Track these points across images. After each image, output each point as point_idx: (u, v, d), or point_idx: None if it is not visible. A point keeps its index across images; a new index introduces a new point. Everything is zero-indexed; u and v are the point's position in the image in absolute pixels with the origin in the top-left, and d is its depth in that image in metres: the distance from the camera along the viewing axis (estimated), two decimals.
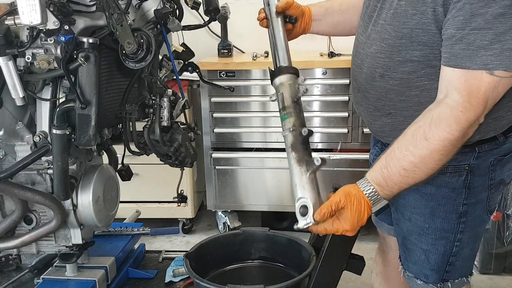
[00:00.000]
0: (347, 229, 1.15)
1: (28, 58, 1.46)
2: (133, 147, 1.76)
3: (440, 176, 1.21)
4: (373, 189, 1.14)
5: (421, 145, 1.07)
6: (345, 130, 2.67)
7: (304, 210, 1.16)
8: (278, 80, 1.28)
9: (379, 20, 1.23)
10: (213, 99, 2.75)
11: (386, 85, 1.23)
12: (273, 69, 1.31)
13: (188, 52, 1.93)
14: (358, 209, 1.14)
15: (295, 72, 1.31)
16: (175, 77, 1.88)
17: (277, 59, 1.33)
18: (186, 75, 2.14)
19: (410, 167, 1.09)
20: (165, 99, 1.72)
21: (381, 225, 1.60)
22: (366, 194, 1.14)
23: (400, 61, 1.18)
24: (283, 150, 2.77)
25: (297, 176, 1.19)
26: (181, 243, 2.96)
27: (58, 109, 1.51)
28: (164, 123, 1.71)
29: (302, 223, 1.17)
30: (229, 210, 2.97)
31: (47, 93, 1.56)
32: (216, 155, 2.83)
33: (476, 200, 1.25)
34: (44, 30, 1.40)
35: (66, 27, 1.39)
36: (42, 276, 1.86)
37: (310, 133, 1.22)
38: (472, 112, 1.04)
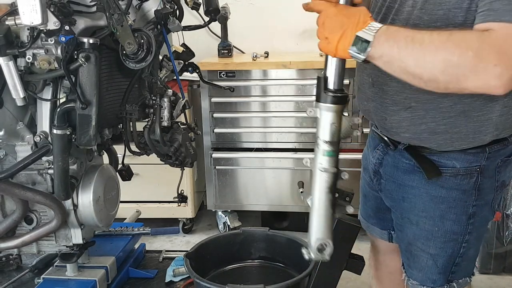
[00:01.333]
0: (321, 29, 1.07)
1: (29, 59, 1.46)
2: (133, 147, 1.76)
3: (451, 178, 1.20)
4: (376, 29, 1.02)
5: (438, 41, 0.97)
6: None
7: (322, 248, 1.16)
8: (335, 107, 1.11)
9: (404, 8, 1.16)
10: (213, 99, 2.75)
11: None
12: (330, 88, 1.12)
13: (188, 53, 1.93)
14: (350, 15, 1.04)
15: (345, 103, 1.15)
16: (175, 77, 1.88)
17: (335, 76, 1.13)
18: (186, 75, 2.15)
19: (414, 44, 0.98)
20: (165, 99, 1.72)
21: (373, 229, 1.57)
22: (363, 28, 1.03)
23: None
24: (283, 150, 2.79)
25: (325, 219, 1.16)
26: (181, 243, 2.96)
27: (59, 109, 1.51)
28: (165, 123, 1.72)
29: (314, 257, 1.17)
30: (229, 210, 2.97)
31: (47, 93, 1.56)
32: (216, 155, 2.83)
33: (485, 202, 1.25)
34: (45, 30, 1.40)
35: (67, 27, 1.40)
36: (42, 276, 1.86)
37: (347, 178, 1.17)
38: (504, 67, 0.92)
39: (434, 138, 1.19)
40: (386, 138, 1.31)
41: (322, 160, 1.13)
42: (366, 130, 2.62)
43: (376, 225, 1.55)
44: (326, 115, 1.11)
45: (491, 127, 1.15)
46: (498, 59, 0.92)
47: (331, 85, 1.11)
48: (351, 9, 1.07)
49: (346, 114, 1.17)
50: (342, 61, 1.11)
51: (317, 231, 1.16)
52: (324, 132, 1.12)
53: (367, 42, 1.02)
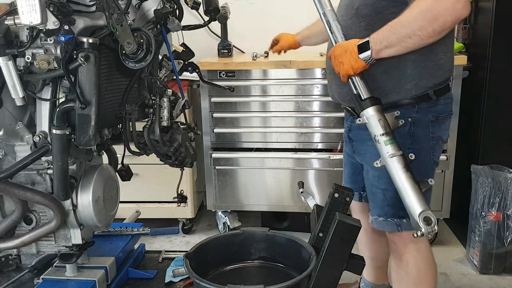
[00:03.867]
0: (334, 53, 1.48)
1: (28, 58, 1.46)
2: (133, 147, 1.76)
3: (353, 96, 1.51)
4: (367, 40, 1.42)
5: (409, 12, 1.37)
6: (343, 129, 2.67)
7: (429, 220, 1.32)
8: (375, 107, 1.43)
9: (340, 17, 1.57)
10: (213, 99, 2.75)
11: None
12: (364, 98, 1.45)
13: (188, 52, 1.93)
14: (347, 42, 1.47)
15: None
16: (175, 77, 1.88)
17: (362, 88, 1.46)
18: (186, 75, 2.14)
19: (399, 24, 1.38)
20: (165, 99, 1.72)
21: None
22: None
23: (353, 34, 1.51)
24: (283, 150, 2.79)
25: (417, 193, 1.35)
26: (181, 243, 2.95)
27: (58, 109, 1.51)
28: (164, 123, 1.71)
29: (427, 231, 1.31)
30: (229, 210, 2.97)
31: (47, 93, 1.56)
32: (216, 155, 2.82)
33: (420, 147, 1.57)
34: (44, 30, 1.40)
35: (66, 27, 1.40)
36: (42, 276, 1.86)
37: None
38: None
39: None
40: (349, 108, 1.71)
41: (387, 149, 1.39)
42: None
43: (350, 185, 1.84)
44: (371, 116, 1.42)
45: (409, 79, 1.51)
46: None
47: (363, 95, 1.45)
48: (346, 41, 1.48)
49: None
50: (360, 76, 1.46)
51: (415, 206, 1.34)
52: (378, 128, 1.41)
53: (367, 42, 1.41)
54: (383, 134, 1.40)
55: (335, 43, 1.51)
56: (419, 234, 1.31)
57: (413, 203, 1.34)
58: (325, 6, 1.53)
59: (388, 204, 1.63)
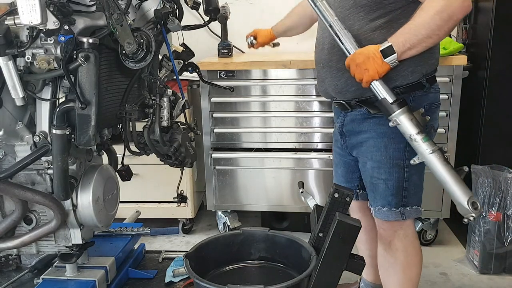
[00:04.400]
0: (355, 61, 1.52)
1: (28, 58, 1.46)
2: (133, 147, 1.76)
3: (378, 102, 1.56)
4: (387, 41, 1.49)
5: (422, 13, 1.46)
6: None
7: (475, 204, 1.44)
8: (404, 108, 1.50)
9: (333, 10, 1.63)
10: (213, 99, 2.75)
11: None
12: (391, 101, 1.51)
13: (188, 52, 1.93)
14: (366, 49, 1.51)
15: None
16: (175, 77, 1.88)
17: (387, 92, 1.53)
18: (186, 75, 2.14)
19: (418, 26, 1.46)
20: (165, 99, 1.72)
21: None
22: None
23: (351, 24, 1.59)
24: (283, 150, 2.79)
25: (459, 182, 1.46)
26: (181, 243, 2.96)
27: (58, 109, 1.51)
28: (164, 123, 1.71)
29: (476, 214, 1.44)
30: (229, 210, 2.97)
31: (47, 93, 1.56)
32: (216, 155, 2.83)
33: None
34: (44, 30, 1.40)
35: (66, 27, 1.40)
36: (42, 276, 1.86)
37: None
38: None
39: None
40: (343, 102, 1.73)
41: (425, 146, 1.47)
42: None
43: (345, 184, 1.88)
44: (403, 117, 1.49)
45: (406, 66, 1.56)
46: None
47: (390, 99, 1.51)
48: (363, 48, 1.52)
49: None
50: (382, 81, 1.51)
51: (462, 194, 1.45)
52: (411, 128, 1.49)
53: (390, 46, 1.47)
54: (418, 133, 1.48)
55: (349, 52, 1.54)
56: (471, 218, 1.44)
57: (459, 192, 1.45)
58: (331, 17, 1.57)
59: (392, 193, 1.67)
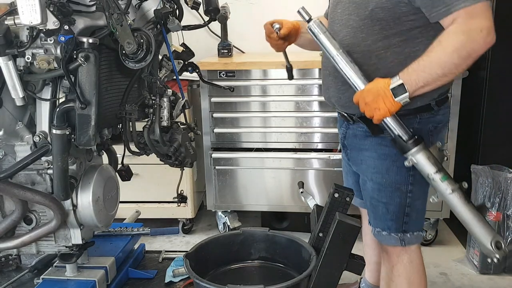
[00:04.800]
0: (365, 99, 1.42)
1: (28, 58, 1.46)
2: (133, 147, 1.76)
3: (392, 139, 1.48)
4: (397, 78, 1.38)
5: (437, 49, 1.35)
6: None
7: (499, 244, 1.37)
8: (419, 146, 1.42)
9: (343, 16, 1.54)
10: (213, 99, 2.75)
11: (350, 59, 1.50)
12: (406, 139, 1.43)
13: (188, 52, 1.93)
14: (375, 86, 1.41)
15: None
16: (175, 77, 1.88)
17: (401, 129, 1.44)
18: (186, 75, 2.14)
19: (430, 64, 1.36)
20: (165, 99, 1.72)
21: (355, 200, 1.78)
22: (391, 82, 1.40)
23: (363, 37, 1.49)
24: (283, 150, 2.79)
25: (482, 221, 1.39)
26: (181, 243, 2.95)
27: (58, 109, 1.51)
28: (164, 123, 1.71)
29: (501, 255, 1.38)
30: (229, 210, 2.96)
31: (47, 93, 1.56)
32: (216, 155, 2.82)
33: None
34: (44, 30, 1.40)
35: (66, 27, 1.39)
36: (42, 276, 1.86)
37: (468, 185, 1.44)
38: (484, 27, 1.31)
39: None
40: (345, 114, 1.65)
41: (444, 186, 1.39)
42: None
43: (357, 196, 1.79)
44: (419, 156, 1.41)
45: None
46: (479, 26, 1.31)
47: (405, 137, 1.43)
48: (371, 83, 1.42)
49: None
50: (394, 117, 1.42)
51: (484, 235, 1.39)
52: (429, 167, 1.41)
53: (401, 85, 1.37)
54: (436, 172, 1.40)
55: (357, 88, 1.45)
56: (495, 260, 1.37)
57: (482, 233, 1.38)
58: (335, 50, 1.47)
59: (391, 218, 1.59)
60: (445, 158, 1.47)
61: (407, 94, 1.37)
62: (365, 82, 1.43)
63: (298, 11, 1.52)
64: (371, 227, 1.67)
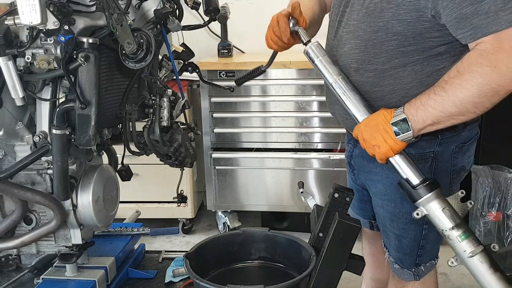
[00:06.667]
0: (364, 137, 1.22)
1: (28, 58, 1.46)
2: (133, 147, 1.76)
3: (398, 183, 1.26)
4: (401, 110, 1.17)
5: (454, 82, 1.10)
6: (345, 130, 2.67)
7: None
8: (433, 193, 1.16)
9: (350, 21, 1.30)
10: (213, 99, 2.75)
11: (360, 78, 1.30)
12: (416, 183, 1.19)
13: (188, 52, 1.93)
14: (374, 120, 1.20)
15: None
16: (175, 77, 1.88)
17: (411, 170, 1.20)
18: (186, 75, 2.14)
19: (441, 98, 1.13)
20: (165, 99, 1.72)
21: (357, 216, 1.67)
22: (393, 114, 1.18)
23: (376, 52, 1.25)
24: (283, 150, 2.79)
25: None
26: (181, 243, 2.96)
27: (58, 109, 1.51)
28: (164, 123, 1.71)
29: None
30: (229, 210, 2.97)
31: (47, 93, 1.56)
32: (216, 155, 2.83)
33: (442, 185, 1.26)
34: (44, 30, 1.40)
35: (66, 27, 1.40)
36: (42, 276, 1.86)
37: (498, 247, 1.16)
38: (504, 54, 1.05)
39: None
40: (351, 133, 1.40)
41: (463, 247, 1.13)
42: None
43: (359, 214, 1.67)
44: (432, 206, 1.14)
45: None
46: (507, 59, 1.06)
47: (414, 180, 1.18)
48: (370, 116, 1.22)
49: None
50: (404, 155, 1.19)
51: None
52: (443, 221, 1.14)
53: (404, 120, 1.14)
54: (453, 228, 1.13)
55: (358, 120, 1.25)
56: None
57: None
58: (334, 76, 1.28)
59: (405, 253, 1.43)
60: (468, 211, 1.19)
61: (410, 132, 1.14)
62: (364, 114, 1.24)
63: (297, 32, 1.35)
64: (387, 253, 1.52)
